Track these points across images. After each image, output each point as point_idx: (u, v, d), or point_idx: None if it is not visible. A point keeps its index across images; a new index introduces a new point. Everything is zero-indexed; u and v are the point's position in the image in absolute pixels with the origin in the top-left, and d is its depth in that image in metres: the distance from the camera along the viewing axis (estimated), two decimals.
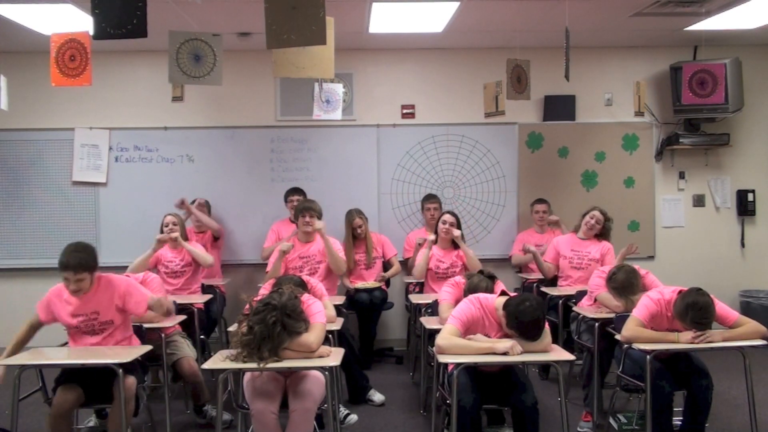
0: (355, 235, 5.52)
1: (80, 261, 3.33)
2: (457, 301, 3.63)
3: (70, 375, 3.38)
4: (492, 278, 3.85)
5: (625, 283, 3.85)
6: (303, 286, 3.71)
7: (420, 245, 5.37)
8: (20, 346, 3.50)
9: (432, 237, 5.14)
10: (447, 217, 5.11)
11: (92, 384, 3.35)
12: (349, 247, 5.48)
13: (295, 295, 3.19)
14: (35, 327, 3.57)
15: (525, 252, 5.45)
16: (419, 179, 6.19)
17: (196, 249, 4.99)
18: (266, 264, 5.06)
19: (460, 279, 4.07)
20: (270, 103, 6.16)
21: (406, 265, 5.80)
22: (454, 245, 5.11)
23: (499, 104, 5.34)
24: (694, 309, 3.27)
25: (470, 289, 3.70)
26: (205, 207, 5.79)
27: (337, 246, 5.01)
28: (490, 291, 3.68)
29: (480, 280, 3.79)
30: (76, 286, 3.35)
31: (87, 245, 3.45)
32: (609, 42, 6.11)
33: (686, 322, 3.32)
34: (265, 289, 3.85)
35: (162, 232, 5.10)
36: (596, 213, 5.00)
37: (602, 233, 5.02)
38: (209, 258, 5.05)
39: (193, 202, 5.65)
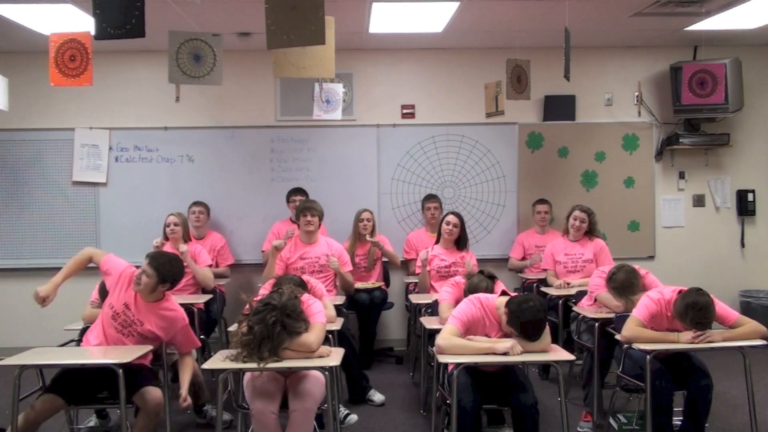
0: (360, 231, 5.50)
1: (157, 262, 3.43)
2: (457, 301, 3.64)
3: (68, 373, 3.36)
4: (492, 278, 3.85)
5: (625, 283, 3.85)
6: (303, 286, 3.71)
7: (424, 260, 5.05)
8: (73, 271, 3.57)
9: (423, 255, 4.97)
10: (451, 218, 5.08)
11: (92, 383, 3.34)
12: (352, 246, 5.48)
13: (295, 295, 3.19)
14: (91, 260, 3.62)
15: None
16: (419, 179, 6.19)
17: (199, 271, 5.03)
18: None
19: (460, 279, 4.07)
20: (270, 103, 6.16)
21: (407, 267, 5.80)
22: (457, 245, 5.10)
23: (499, 104, 5.35)
24: (694, 309, 3.27)
25: (470, 289, 3.71)
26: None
27: (346, 262, 5.01)
28: (491, 291, 3.68)
29: (480, 280, 3.80)
30: (138, 276, 3.43)
31: (175, 260, 3.57)
32: (609, 42, 6.11)
33: (686, 322, 3.32)
34: (265, 289, 3.85)
35: (165, 232, 5.11)
36: (578, 213, 5.06)
37: (590, 229, 5.08)
38: (210, 282, 5.09)
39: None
